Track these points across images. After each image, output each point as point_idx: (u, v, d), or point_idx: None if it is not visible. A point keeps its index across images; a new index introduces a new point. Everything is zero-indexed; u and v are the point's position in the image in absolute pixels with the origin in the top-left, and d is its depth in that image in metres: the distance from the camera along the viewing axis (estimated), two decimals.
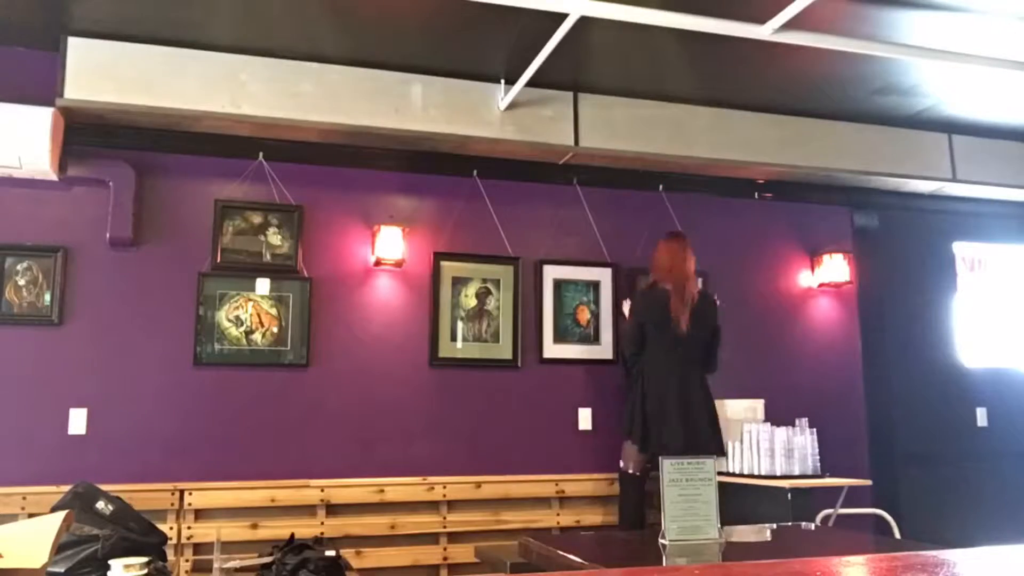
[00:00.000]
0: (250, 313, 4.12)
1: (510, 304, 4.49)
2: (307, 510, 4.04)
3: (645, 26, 3.32)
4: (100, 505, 3.32)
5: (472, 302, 4.45)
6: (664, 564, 2.16)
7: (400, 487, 4.18)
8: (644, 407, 4.06)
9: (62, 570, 2.96)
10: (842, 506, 4.26)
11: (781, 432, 4.23)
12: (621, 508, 4.22)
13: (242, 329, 4.10)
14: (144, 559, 2.16)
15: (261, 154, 4.21)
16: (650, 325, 4.14)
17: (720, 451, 4.09)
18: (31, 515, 3.57)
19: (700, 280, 4.40)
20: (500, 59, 4.05)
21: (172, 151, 4.10)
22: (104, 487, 3.46)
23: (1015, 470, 5.13)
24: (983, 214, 5.38)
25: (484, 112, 4.25)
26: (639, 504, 4.13)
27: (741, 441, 4.32)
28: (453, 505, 4.25)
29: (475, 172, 4.50)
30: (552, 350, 4.55)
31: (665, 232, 4.39)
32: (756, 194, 4.98)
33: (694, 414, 4.01)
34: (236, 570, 3.52)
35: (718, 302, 4.32)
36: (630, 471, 4.11)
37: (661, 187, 4.79)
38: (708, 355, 4.22)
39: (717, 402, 4.54)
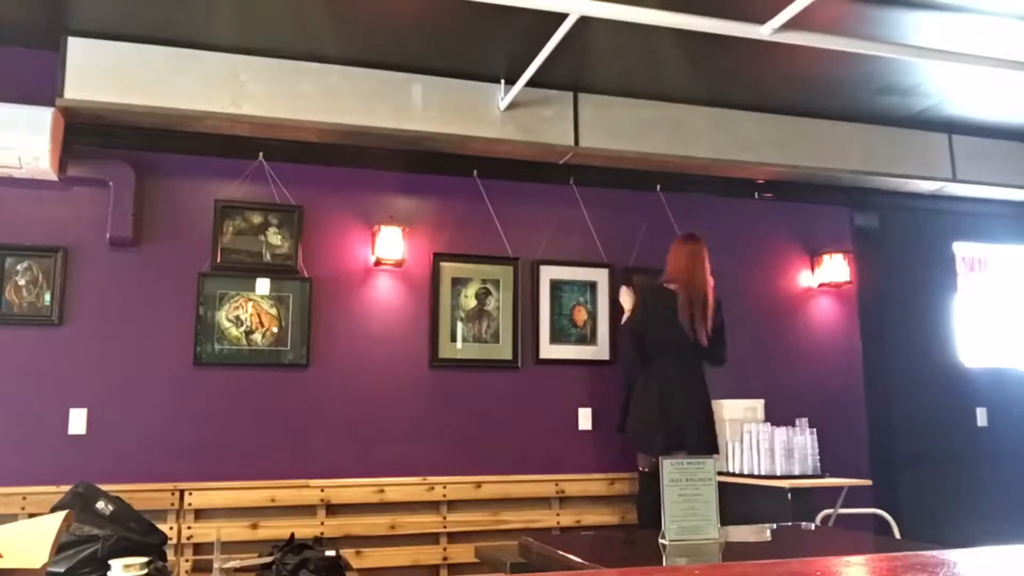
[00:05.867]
0: (250, 313, 4.12)
1: (510, 304, 4.48)
2: (307, 510, 4.04)
3: (645, 26, 3.32)
4: (100, 505, 3.32)
5: (472, 303, 4.45)
6: (664, 564, 2.16)
7: (400, 487, 4.18)
8: (646, 410, 4.05)
9: (62, 570, 2.96)
10: (842, 506, 4.26)
11: (781, 432, 4.22)
12: (637, 507, 4.26)
13: (242, 329, 4.09)
14: (144, 559, 2.16)
15: (261, 154, 4.20)
16: (655, 328, 4.10)
17: (716, 450, 4.12)
18: (31, 515, 3.57)
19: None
20: (500, 59, 4.05)
21: (172, 151, 4.10)
22: (104, 487, 3.46)
23: (1015, 470, 5.13)
24: (983, 214, 5.37)
25: (484, 112, 4.25)
26: (656, 502, 4.10)
27: (741, 441, 4.32)
28: (453, 505, 4.25)
29: (475, 172, 4.50)
30: (548, 351, 4.54)
31: (681, 233, 4.32)
32: (756, 194, 4.98)
33: (697, 417, 4.02)
34: (236, 570, 3.51)
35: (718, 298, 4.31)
36: (643, 469, 4.12)
37: (659, 187, 4.79)
38: (713, 350, 4.19)
39: (716, 402, 4.55)
